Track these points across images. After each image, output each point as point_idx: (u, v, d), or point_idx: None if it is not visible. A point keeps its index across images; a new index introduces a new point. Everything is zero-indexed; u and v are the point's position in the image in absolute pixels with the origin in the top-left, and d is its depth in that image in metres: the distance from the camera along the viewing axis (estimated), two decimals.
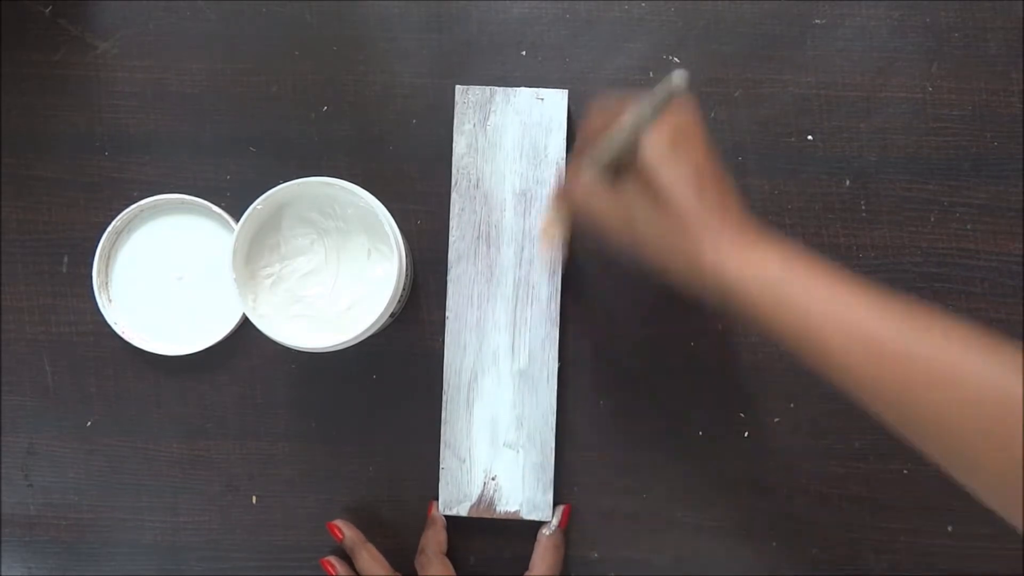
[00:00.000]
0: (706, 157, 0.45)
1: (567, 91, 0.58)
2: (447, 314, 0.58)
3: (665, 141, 0.44)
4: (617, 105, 0.46)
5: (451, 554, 0.58)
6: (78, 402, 0.61)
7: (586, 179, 0.47)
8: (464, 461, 0.57)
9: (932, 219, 0.59)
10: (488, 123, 0.58)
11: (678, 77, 0.41)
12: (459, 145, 0.58)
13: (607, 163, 0.46)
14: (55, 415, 0.61)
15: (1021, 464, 0.35)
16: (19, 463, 0.61)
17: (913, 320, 0.40)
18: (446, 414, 0.58)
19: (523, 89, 0.58)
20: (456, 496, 0.58)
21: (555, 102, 0.58)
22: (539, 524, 0.58)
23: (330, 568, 0.57)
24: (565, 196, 0.52)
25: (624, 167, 0.46)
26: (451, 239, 0.58)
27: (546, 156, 0.58)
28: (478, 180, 0.58)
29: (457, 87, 0.58)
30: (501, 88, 0.58)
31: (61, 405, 0.61)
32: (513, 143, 0.58)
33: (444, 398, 0.58)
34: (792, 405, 0.60)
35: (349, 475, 0.60)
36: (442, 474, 0.58)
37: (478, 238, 0.58)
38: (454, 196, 0.58)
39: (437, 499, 0.58)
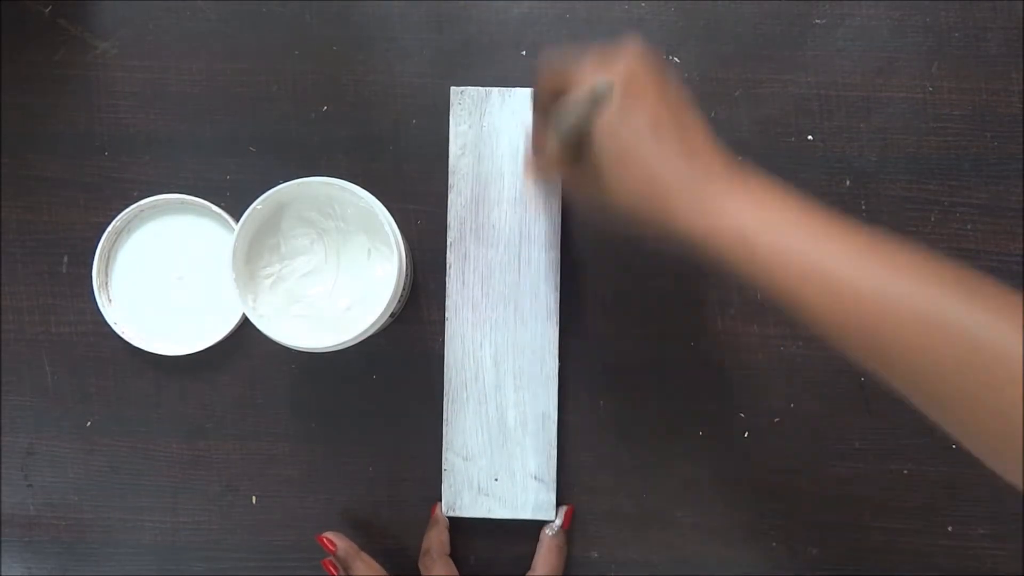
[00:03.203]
0: (661, 105, 0.43)
1: None
2: (446, 315, 0.58)
3: (615, 106, 0.42)
4: (569, 64, 0.45)
5: (453, 554, 0.58)
6: (78, 402, 0.61)
7: (551, 154, 0.47)
8: (467, 461, 0.57)
9: (932, 219, 0.59)
10: (484, 124, 0.58)
11: (603, 84, 0.42)
12: (455, 146, 0.58)
13: (568, 139, 0.45)
14: (55, 415, 0.61)
15: (990, 406, 0.36)
16: (19, 463, 0.61)
17: (887, 260, 0.40)
18: (447, 415, 0.58)
19: (518, 89, 0.58)
20: (459, 497, 0.58)
21: None
22: (541, 524, 0.58)
23: (332, 570, 0.57)
24: (534, 167, 0.51)
25: (585, 136, 0.45)
26: (449, 240, 0.58)
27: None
28: (474, 181, 0.58)
29: (452, 88, 0.58)
30: (496, 89, 0.58)
31: (61, 405, 0.61)
32: (509, 143, 0.58)
33: (445, 399, 0.58)
34: (792, 405, 0.60)
35: (349, 475, 0.60)
36: (444, 475, 0.58)
37: (476, 239, 0.58)
38: (451, 197, 0.58)
39: (439, 500, 0.58)
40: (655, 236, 0.44)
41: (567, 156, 0.46)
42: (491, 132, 0.58)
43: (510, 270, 0.58)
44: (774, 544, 0.59)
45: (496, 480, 0.57)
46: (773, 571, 0.59)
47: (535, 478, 0.57)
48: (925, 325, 0.37)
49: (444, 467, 0.58)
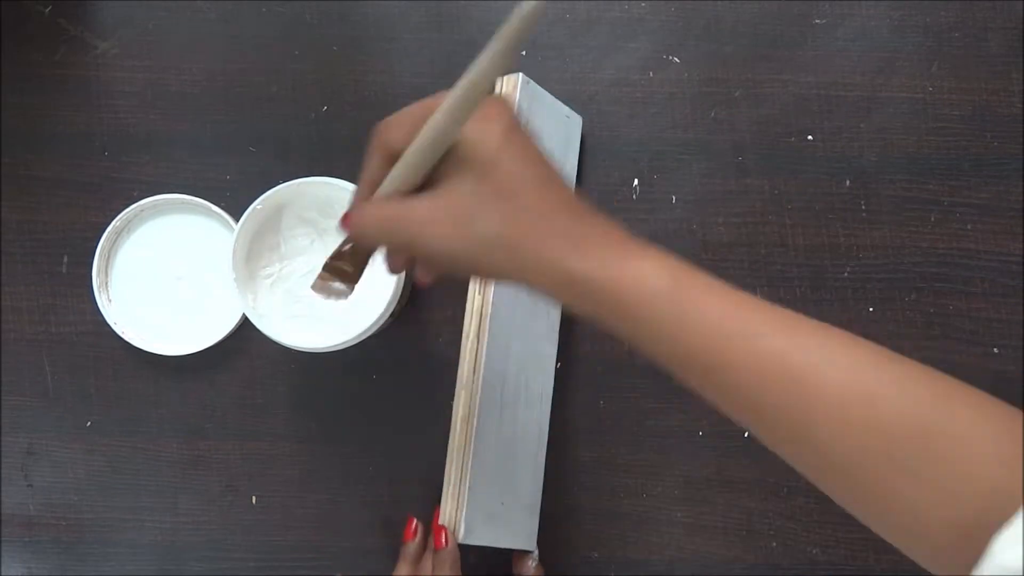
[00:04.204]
0: (546, 157, 0.38)
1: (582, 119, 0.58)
2: (490, 332, 0.52)
3: (497, 130, 0.36)
4: (416, 112, 0.37)
5: None
6: (78, 402, 0.61)
7: (390, 198, 0.38)
8: (483, 484, 0.52)
9: (932, 219, 0.59)
10: (535, 124, 0.52)
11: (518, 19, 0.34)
12: None
13: (423, 159, 0.37)
14: (55, 415, 0.61)
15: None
16: (19, 463, 0.61)
17: (821, 337, 0.35)
18: (470, 434, 0.52)
19: (559, 102, 0.56)
20: (475, 522, 0.51)
21: (575, 123, 0.58)
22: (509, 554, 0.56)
23: (410, 528, 0.53)
24: (365, 223, 0.39)
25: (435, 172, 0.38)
26: None
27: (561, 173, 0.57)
28: None
29: (521, 76, 0.52)
30: (549, 94, 0.54)
31: (61, 405, 0.61)
32: (548, 151, 0.54)
33: (467, 418, 0.53)
34: None
35: (349, 475, 0.60)
36: (469, 496, 0.51)
37: None
38: None
39: (433, 515, 0.53)
40: (534, 287, 0.37)
41: (406, 186, 0.37)
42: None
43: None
44: (774, 544, 0.59)
45: (503, 504, 0.54)
46: (773, 571, 0.59)
47: (527, 505, 0.56)
48: (858, 407, 0.33)
49: (462, 489, 0.51)
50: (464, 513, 0.50)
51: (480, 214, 0.36)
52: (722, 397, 0.36)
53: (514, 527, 0.55)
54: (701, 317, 0.35)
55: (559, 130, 0.57)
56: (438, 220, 0.36)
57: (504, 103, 0.38)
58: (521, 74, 0.51)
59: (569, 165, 0.58)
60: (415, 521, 0.55)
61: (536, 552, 0.57)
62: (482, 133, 0.36)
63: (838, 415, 0.33)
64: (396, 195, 0.38)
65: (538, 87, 0.53)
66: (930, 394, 0.34)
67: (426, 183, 0.38)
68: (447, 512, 0.51)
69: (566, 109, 0.57)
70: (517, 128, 0.37)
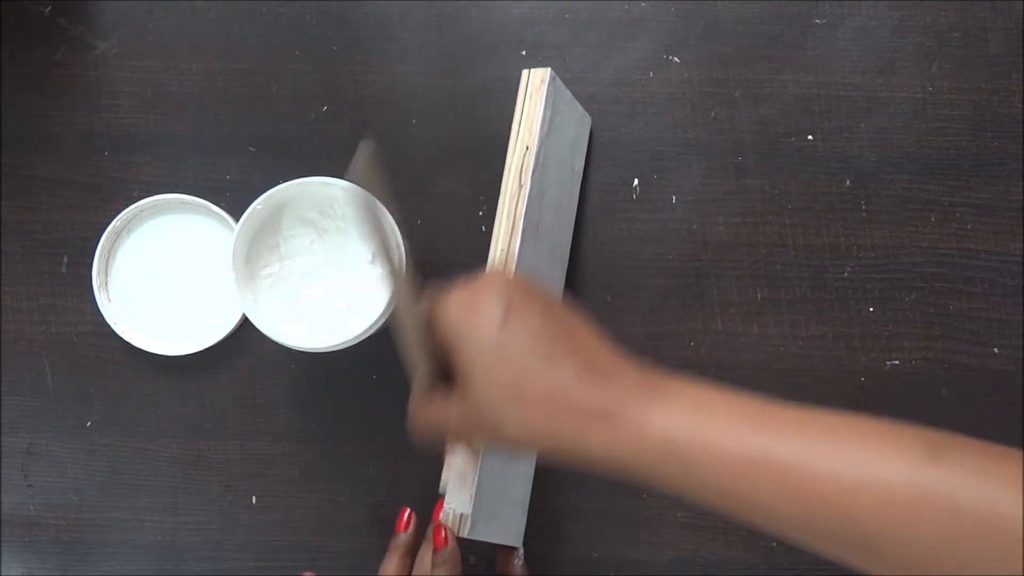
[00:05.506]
0: (550, 320, 0.38)
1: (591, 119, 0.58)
2: None
3: (493, 319, 0.38)
4: (432, 299, 0.42)
5: None
6: (78, 402, 0.61)
7: (431, 403, 0.42)
8: (489, 479, 0.50)
9: (932, 219, 0.59)
10: (556, 121, 0.52)
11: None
12: (542, 131, 0.50)
13: (427, 375, 0.42)
14: (55, 415, 0.61)
15: None
16: (19, 463, 0.61)
17: (844, 438, 0.35)
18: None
19: (575, 101, 0.55)
20: (480, 517, 0.49)
21: (586, 123, 0.58)
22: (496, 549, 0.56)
23: (403, 518, 0.53)
24: (416, 430, 0.44)
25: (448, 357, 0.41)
26: (524, 226, 0.50)
27: (573, 172, 0.57)
28: (533, 171, 0.50)
29: (549, 71, 0.51)
30: (569, 92, 0.54)
31: (61, 405, 0.61)
32: (564, 149, 0.54)
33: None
34: None
35: (349, 475, 0.60)
36: (477, 493, 0.48)
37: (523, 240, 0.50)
38: (530, 195, 0.49)
39: (429, 516, 0.51)
40: (566, 463, 0.38)
41: (424, 367, 0.41)
42: (558, 131, 0.52)
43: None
44: (774, 544, 0.59)
45: (500, 499, 0.53)
46: (773, 571, 0.59)
47: (519, 500, 0.56)
48: (898, 502, 0.32)
49: (472, 479, 0.49)
50: (472, 505, 0.48)
51: (502, 419, 0.38)
52: (768, 527, 0.35)
53: (508, 523, 0.55)
54: (723, 459, 0.35)
55: (573, 128, 0.56)
56: (472, 425, 0.40)
57: (492, 284, 0.39)
58: (549, 69, 0.50)
59: (578, 164, 0.58)
60: (408, 511, 0.53)
61: (522, 550, 0.56)
62: (479, 327, 0.38)
63: (895, 523, 0.32)
64: (434, 388, 0.42)
65: (561, 83, 0.52)
66: (965, 473, 0.32)
67: (457, 367, 0.40)
68: (453, 503, 0.48)
69: (580, 108, 0.57)
70: (512, 305, 0.38)
